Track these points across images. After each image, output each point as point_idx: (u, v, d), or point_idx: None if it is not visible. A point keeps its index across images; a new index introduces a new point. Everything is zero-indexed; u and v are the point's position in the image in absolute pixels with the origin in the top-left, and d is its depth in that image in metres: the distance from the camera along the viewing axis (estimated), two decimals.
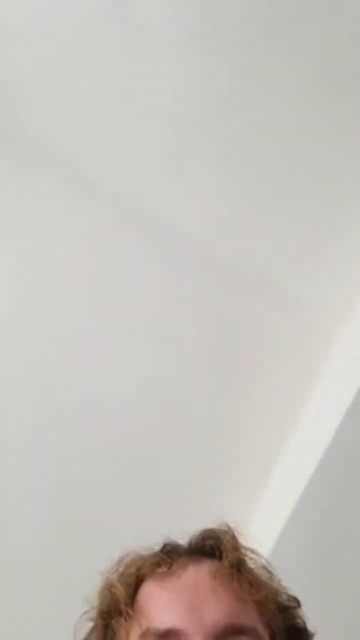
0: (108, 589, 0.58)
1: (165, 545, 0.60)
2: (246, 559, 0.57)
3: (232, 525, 0.59)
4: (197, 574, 0.55)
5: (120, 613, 0.55)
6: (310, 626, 0.57)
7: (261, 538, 1.40)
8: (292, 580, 0.59)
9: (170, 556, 0.58)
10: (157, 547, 0.60)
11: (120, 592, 0.56)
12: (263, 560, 0.58)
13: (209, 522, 0.61)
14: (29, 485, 1.45)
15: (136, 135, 1.29)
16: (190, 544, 0.60)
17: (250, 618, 0.53)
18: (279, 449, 1.50)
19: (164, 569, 0.56)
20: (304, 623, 0.58)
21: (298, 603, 0.58)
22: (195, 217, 1.35)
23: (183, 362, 1.46)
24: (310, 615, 0.58)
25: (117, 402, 1.47)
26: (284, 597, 0.57)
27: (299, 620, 0.58)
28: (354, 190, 1.30)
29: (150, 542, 0.62)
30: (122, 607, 0.55)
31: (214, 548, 0.57)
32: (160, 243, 1.37)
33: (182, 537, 0.61)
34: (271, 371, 1.46)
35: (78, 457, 1.50)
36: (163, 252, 1.39)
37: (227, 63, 1.23)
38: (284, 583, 0.59)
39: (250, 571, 0.56)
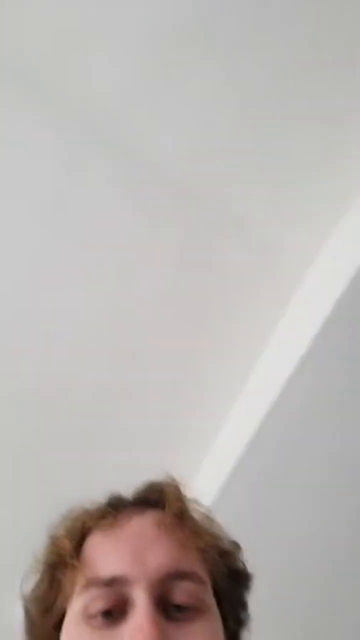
0: (54, 543, 0.58)
1: (110, 498, 0.61)
2: (189, 508, 0.58)
3: (176, 476, 0.61)
4: (141, 524, 0.56)
5: (65, 565, 0.55)
6: (249, 568, 0.60)
7: (212, 480, 1.45)
8: (235, 527, 0.62)
9: (115, 508, 0.59)
10: (103, 501, 0.61)
11: (66, 544, 0.57)
12: (205, 510, 0.60)
13: (162, 468, 0.62)
14: None
15: (110, 54, 1.19)
16: (135, 496, 0.61)
17: (193, 564, 0.54)
18: (235, 394, 1.53)
19: (108, 520, 0.57)
20: (244, 565, 0.60)
21: (238, 547, 0.60)
22: (168, 146, 1.28)
23: (148, 297, 1.44)
24: (251, 560, 0.61)
25: (77, 337, 1.45)
26: (225, 542, 0.59)
27: (239, 563, 0.60)
28: (331, 134, 1.27)
29: (102, 489, 0.62)
30: (68, 559, 0.55)
31: (157, 499, 0.59)
32: (130, 171, 1.31)
33: (131, 486, 0.62)
34: (236, 312, 1.46)
35: (33, 398, 1.49)
36: (133, 181, 1.33)
37: None
38: (227, 529, 0.61)
39: (192, 520, 0.57)
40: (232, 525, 0.61)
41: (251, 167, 1.33)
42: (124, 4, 1.15)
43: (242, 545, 0.61)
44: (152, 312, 1.46)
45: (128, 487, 0.63)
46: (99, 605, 0.51)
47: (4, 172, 1.31)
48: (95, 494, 0.63)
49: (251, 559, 0.61)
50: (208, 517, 0.60)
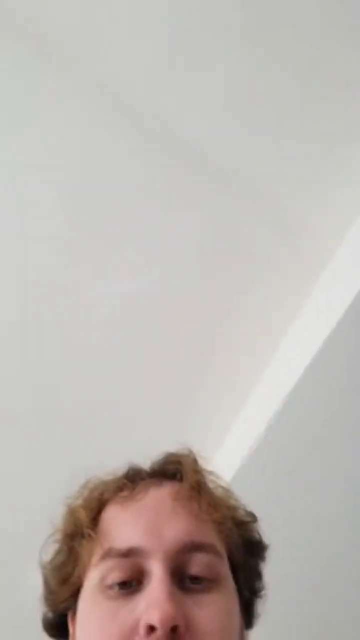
0: (72, 513, 0.59)
1: (128, 470, 0.61)
2: (206, 480, 0.58)
3: (193, 449, 0.60)
4: (158, 496, 0.56)
5: (83, 536, 0.56)
6: (265, 539, 0.60)
7: (233, 458, 1.45)
8: (254, 500, 0.61)
9: (132, 480, 0.59)
10: (120, 472, 0.61)
11: (84, 515, 0.57)
12: (222, 482, 0.60)
13: (184, 439, 0.62)
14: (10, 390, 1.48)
15: (137, 26, 1.16)
16: (152, 467, 0.61)
17: (209, 536, 0.54)
18: (259, 372, 1.52)
19: (126, 492, 0.57)
20: (260, 536, 0.60)
21: (254, 518, 0.60)
22: (197, 121, 1.25)
23: (173, 273, 1.42)
24: (268, 533, 0.60)
25: (104, 310, 1.45)
26: (241, 513, 0.59)
27: (254, 534, 0.60)
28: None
29: (124, 457, 0.63)
30: (85, 530, 0.56)
31: (175, 471, 0.58)
32: (158, 146, 1.28)
33: (153, 456, 0.62)
34: (261, 289, 1.45)
35: (61, 367, 1.51)
36: (160, 155, 1.29)
37: None
38: (246, 501, 0.61)
39: (209, 492, 0.57)
40: (252, 503, 0.60)
41: (282, 146, 1.30)
42: None
43: (262, 522, 0.60)
44: (178, 288, 1.45)
45: (148, 461, 0.63)
46: (115, 576, 0.52)
47: (28, 146, 1.30)
48: (115, 467, 0.63)
49: (270, 536, 0.61)
50: (225, 489, 0.59)
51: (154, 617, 0.47)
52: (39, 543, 0.62)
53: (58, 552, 0.59)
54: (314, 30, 1.17)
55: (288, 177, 1.33)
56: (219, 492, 0.58)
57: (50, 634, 0.60)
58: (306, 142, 1.29)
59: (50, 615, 0.59)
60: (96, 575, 0.53)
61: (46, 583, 0.59)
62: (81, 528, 0.56)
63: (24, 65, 1.22)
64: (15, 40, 1.20)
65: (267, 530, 0.61)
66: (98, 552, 0.54)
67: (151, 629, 0.47)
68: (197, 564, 0.52)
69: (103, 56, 1.21)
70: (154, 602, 0.48)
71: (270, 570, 0.61)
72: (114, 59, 1.21)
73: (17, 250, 1.40)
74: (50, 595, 0.59)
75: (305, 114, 1.26)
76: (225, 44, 1.19)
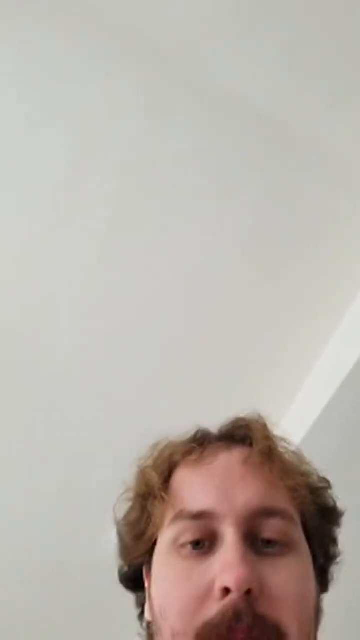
0: (143, 475, 0.60)
1: (197, 432, 0.61)
2: (277, 446, 0.57)
3: (263, 414, 0.59)
4: (229, 461, 0.56)
5: (155, 497, 0.57)
6: (340, 505, 0.59)
7: (300, 421, 1.44)
8: (325, 464, 0.60)
9: (201, 444, 0.59)
10: (189, 435, 0.61)
11: (154, 477, 0.58)
12: (294, 447, 0.59)
13: (245, 411, 0.61)
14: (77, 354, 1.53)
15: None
16: (221, 431, 0.61)
17: (281, 501, 0.54)
18: (326, 340, 1.49)
19: (195, 456, 0.57)
20: (335, 502, 0.59)
21: (328, 484, 0.59)
22: (255, 83, 1.22)
23: (231, 241, 1.41)
24: (342, 496, 0.59)
25: (161, 282, 1.46)
26: (315, 478, 0.58)
27: (329, 500, 0.59)
28: None
29: (186, 425, 0.63)
30: (157, 491, 0.56)
31: (244, 436, 0.58)
32: (217, 108, 1.27)
33: (219, 421, 0.62)
34: (322, 255, 1.41)
35: (121, 342, 1.54)
36: (219, 118, 1.28)
37: None
38: (317, 465, 0.60)
39: (280, 458, 0.56)
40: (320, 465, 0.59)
41: (341, 107, 1.23)
42: None
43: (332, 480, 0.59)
44: (238, 257, 1.43)
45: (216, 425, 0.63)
46: (188, 536, 0.52)
47: (89, 115, 1.30)
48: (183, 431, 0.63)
49: (340, 500, 0.59)
50: (297, 455, 0.58)
51: (229, 579, 0.48)
52: (112, 502, 0.63)
53: (131, 510, 0.60)
54: None
55: (350, 138, 1.26)
56: (291, 458, 0.57)
57: (127, 586, 0.62)
58: None
59: (125, 569, 0.61)
60: (169, 535, 0.54)
61: (121, 538, 0.61)
62: (153, 489, 0.57)
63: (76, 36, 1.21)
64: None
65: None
66: (170, 514, 0.55)
67: (226, 591, 0.48)
68: (271, 529, 0.52)
69: (162, 24, 1.18)
70: (228, 564, 0.49)
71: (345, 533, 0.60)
72: (174, 28, 1.18)
73: (79, 221, 1.41)
74: (125, 550, 0.61)
75: None
76: (282, 9, 1.13)
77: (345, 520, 0.59)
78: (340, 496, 0.60)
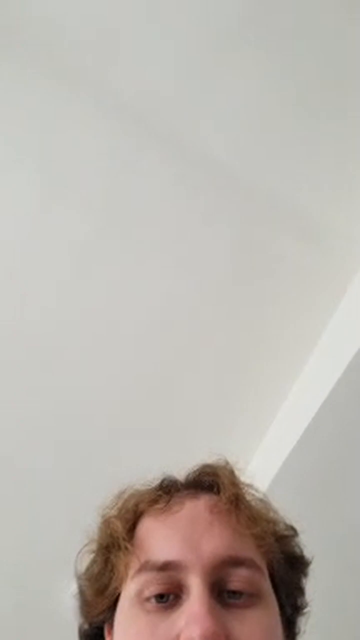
0: (107, 524, 0.58)
1: (163, 481, 0.60)
2: (244, 493, 0.56)
3: (230, 460, 0.59)
4: (195, 509, 0.55)
5: (119, 547, 0.55)
6: (307, 553, 0.58)
7: (266, 465, 1.43)
8: (291, 510, 0.60)
9: (168, 492, 0.58)
10: (155, 483, 0.60)
11: (119, 527, 0.56)
12: (260, 494, 0.58)
13: (214, 452, 0.61)
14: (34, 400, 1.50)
15: (160, 45, 1.18)
16: (187, 479, 0.60)
17: (248, 550, 0.53)
18: (291, 381, 1.50)
19: (161, 504, 0.56)
20: (301, 550, 0.58)
21: (295, 532, 0.58)
22: (217, 137, 1.27)
23: (199, 287, 1.44)
24: (309, 544, 0.59)
25: (130, 324, 1.47)
26: (282, 526, 0.58)
27: (296, 549, 0.58)
28: None
29: (153, 469, 0.62)
30: (121, 542, 0.55)
31: (211, 483, 0.57)
32: (181, 161, 1.30)
33: (186, 466, 0.61)
34: (288, 300, 1.44)
35: (88, 378, 1.52)
36: (183, 170, 1.32)
37: None
38: (283, 512, 0.59)
39: (247, 505, 0.55)
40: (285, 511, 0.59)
41: (303, 157, 1.29)
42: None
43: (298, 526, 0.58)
44: (206, 300, 1.45)
45: (182, 471, 0.62)
46: (153, 589, 0.51)
47: (56, 163, 1.31)
48: (149, 477, 0.62)
49: (307, 546, 0.59)
50: (263, 502, 0.58)
51: (195, 632, 0.46)
52: (73, 553, 0.61)
53: (93, 563, 0.58)
54: (331, 44, 1.16)
55: (311, 188, 1.32)
56: (257, 505, 0.57)
57: None
58: (328, 152, 1.28)
59: (86, 626, 0.58)
60: (133, 588, 0.52)
61: (82, 594, 0.59)
62: (117, 540, 0.55)
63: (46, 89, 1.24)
64: (48, 63, 1.22)
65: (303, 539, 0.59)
66: (135, 565, 0.53)
67: None
68: (237, 579, 0.51)
69: (129, 73, 1.22)
70: (194, 617, 0.47)
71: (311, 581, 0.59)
72: (139, 77, 1.22)
73: (48, 254, 1.41)
74: (86, 607, 0.58)
75: (324, 124, 1.25)
76: (245, 62, 1.20)
77: (312, 569, 0.58)
78: (308, 543, 0.59)
